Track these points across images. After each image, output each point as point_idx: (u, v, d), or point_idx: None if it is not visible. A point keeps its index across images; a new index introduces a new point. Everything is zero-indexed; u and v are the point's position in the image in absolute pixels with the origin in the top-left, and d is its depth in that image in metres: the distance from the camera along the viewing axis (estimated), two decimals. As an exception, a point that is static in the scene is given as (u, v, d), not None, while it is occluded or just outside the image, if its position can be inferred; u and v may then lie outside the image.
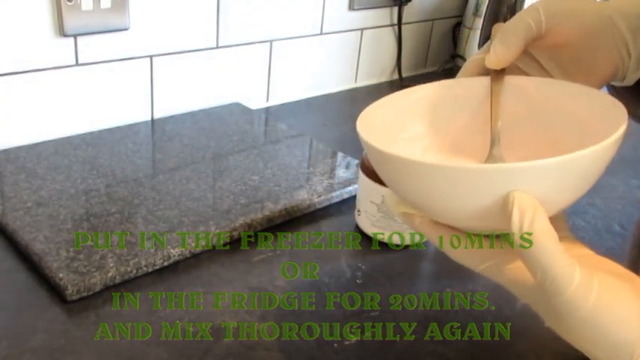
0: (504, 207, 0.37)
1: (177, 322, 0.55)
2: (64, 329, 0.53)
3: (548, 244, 0.35)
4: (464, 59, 1.17)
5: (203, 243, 0.63)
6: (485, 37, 1.14)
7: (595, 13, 0.50)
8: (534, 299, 0.39)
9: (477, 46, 1.15)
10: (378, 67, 1.22)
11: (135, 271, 0.59)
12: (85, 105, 0.85)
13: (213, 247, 0.65)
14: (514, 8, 1.11)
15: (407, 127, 0.52)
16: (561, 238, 0.37)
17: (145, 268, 0.60)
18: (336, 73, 1.15)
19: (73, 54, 0.82)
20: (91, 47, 0.83)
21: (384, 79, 1.23)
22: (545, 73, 0.54)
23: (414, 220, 0.43)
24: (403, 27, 1.20)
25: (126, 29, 0.84)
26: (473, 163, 0.52)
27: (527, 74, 0.55)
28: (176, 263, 0.62)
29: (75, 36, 0.81)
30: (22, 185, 0.70)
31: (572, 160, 0.37)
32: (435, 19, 1.27)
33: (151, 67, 0.90)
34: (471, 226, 0.41)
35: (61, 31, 0.79)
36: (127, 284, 0.58)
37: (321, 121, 1.02)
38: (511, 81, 0.53)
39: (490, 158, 0.50)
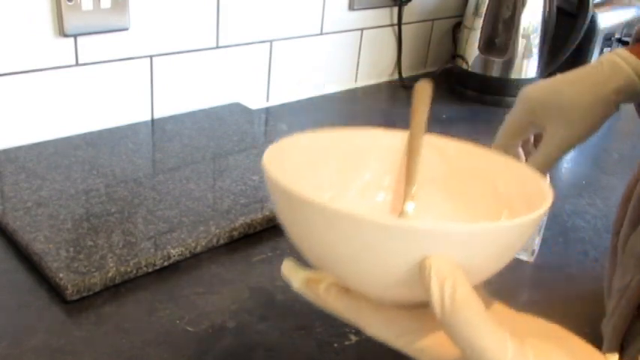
0: (421, 274, 0.33)
1: (177, 322, 0.55)
2: (64, 329, 0.53)
3: (475, 315, 0.31)
4: (464, 59, 1.17)
5: (203, 243, 0.63)
6: (486, 37, 1.14)
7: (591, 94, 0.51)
8: None
9: (477, 46, 1.15)
10: (378, 67, 1.22)
11: (135, 271, 0.59)
12: (85, 105, 0.85)
13: (213, 247, 0.65)
14: (514, 8, 1.11)
15: (314, 174, 0.48)
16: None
17: (145, 268, 0.60)
18: (336, 73, 1.15)
19: (73, 54, 0.82)
20: (91, 47, 0.82)
21: (384, 79, 1.23)
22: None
23: (317, 289, 0.38)
24: (403, 27, 1.20)
25: (126, 29, 0.84)
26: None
27: None
28: (176, 263, 0.62)
29: (75, 36, 0.80)
30: (22, 185, 0.70)
31: (495, 229, 0.35)
32: (435, 19, 1.27)
33: (151, 67, 0.90)
34: (387, 295, 0.37)
35: (61, 31, 0.79)
36: (127, 284, 0.58)
37: (321, 121, 1.01)
38: (431, 141, 0.51)
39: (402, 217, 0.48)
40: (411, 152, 0.51)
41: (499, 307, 0.40)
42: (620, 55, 0.52)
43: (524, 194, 0.45)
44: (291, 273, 0.40)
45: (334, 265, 0.38)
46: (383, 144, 0.51)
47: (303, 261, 0.39)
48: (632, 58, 0.52)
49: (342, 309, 0.37)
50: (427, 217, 0.50)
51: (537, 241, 0.59)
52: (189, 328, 0.54)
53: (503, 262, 0.38)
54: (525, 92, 0.55)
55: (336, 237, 0.35)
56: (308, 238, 0.38)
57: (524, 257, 0.61)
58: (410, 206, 0.49)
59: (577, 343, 0.37)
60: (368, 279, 0.36)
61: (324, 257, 0.38)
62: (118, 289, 0.58)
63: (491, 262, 0.37)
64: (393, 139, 0.52)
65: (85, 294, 0.56)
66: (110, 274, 0.57)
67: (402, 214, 0.49)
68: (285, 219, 0.39)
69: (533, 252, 0.60)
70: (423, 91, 0.56)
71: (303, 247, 0.39)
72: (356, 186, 0.51)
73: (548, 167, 0.54)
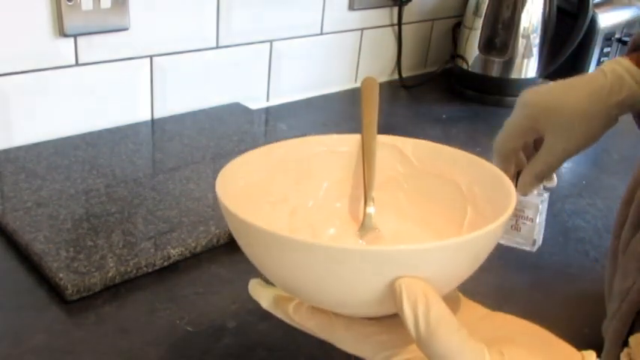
0: (393, 296, 0.32)
1: (177, 322, 0.55)
2: (64, 329, 0.53)
3: (450, 334, 0.31)
4: (464, 59, 1.17)
5: (203, 243, 0.63)
6: (486, 37, 1.14)
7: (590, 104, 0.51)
8: None
9: (477, 46, 1.15)
10: (378, 67, 1.21)
11: (135, 271, 0.59)
12: (85, 105, 0.85)
13: (214, 247, 0.64)
14: (514, 8, 1.11)
15: (271, 189, 0.48)
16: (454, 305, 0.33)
17: (145, 268, 0.60)
18: (336, 73, 1.15)
19: (73, 54, 0.81)
20: (91, 47, 0.82)
21: (384, 79, 1.23)
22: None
23: (286, 307, 0.38)
24: (403, 27, 1.20)
25: (126, 29, 0.84)
26: (351, 238, 0.48)
27: None
28: (176, 263, 0.62)
29: (75, 36, 0.80)
30: (22, 185, 0.70)
31: (464, 241, 0.35)
32: (435, 19, 1.27)
33: (151, 67, 0.90)
34: (359, 313, 0.37)
35: (61, 31, 0.79)
36: (127, 284, 0.58)
37: (321, 121, 1.01)
38: (385, 140, 0.51)
39: (364, 227, 0.48)
40: (367, 155, 0.50)
41: (478, 311, 0.39)
42: (622, 65, 0.52)
43: (488, 191, 0.44)
44: (259, 293, 0.39)
45: (299, 291, 0.37)
46: (338, 149, 0.51)
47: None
48: (634, 68, 0.52)
49: (314, 327, 0.37)
50: (390, 220, 0.49)
51: (537, 229, 0.58)
52: (189, 328, 0.54)
53: (474, 268, 0.38)
54: (526, 97, 0.54)
55: (296, 264, 0.35)
56: (270, 266, 0.37)
57: (526, 248, 0.60)
58: (371, 209, 0.48)
59: (556, 345, 0.37)
60: (336, 301, 0.36)
61: (287, 283, 0.37)
62: (118, 289, 0.58)
63: (462, 271, 0.37)
64: (348, 143, 0.51)
65: (85, 294, 0.56)
66: (110, 274, 0.57)
67: (364, 218, 0.48)
68: (245, 248, 0.38)
69: (534, 242, 0.59)
70: (371, 88, 0.55)
71: (266, 273, 0.38)
72: (316, 195, 0.50)
73: (546, 176, 0.55)
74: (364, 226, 0.48)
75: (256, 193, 0.46)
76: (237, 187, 0.43)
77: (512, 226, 0.58)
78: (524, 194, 0.56)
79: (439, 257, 0.34)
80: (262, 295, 0.39)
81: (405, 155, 0.50)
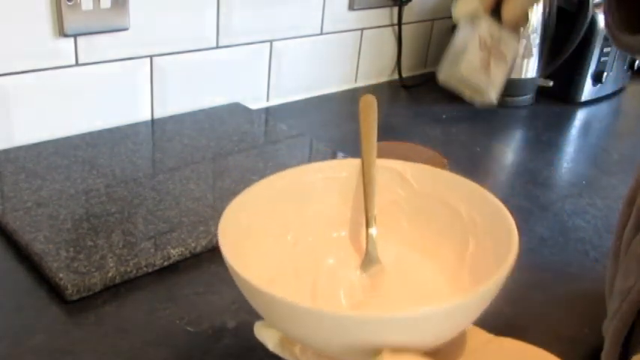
0: None
1: (177, 322, 0.55)
2: (64, 329, 0.53)
3: None
4: (464, 59, 1.17)
5: (203, 243, 0.63)
6: (486, 37, 1.14)
7: None
8: None
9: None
10: (378, 67, 1.22)
11: (135, 271, 0.59)
12: (85, 105, 0.85)
13: (213, 247, 0.64)
14: (514, 8, 1.11)
15: (273, 222, 0.49)
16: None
17: (145, 268, 0.60)
18: (336, 73, 1.15)
19: (73, 54, 0.81)
20: (91, 47, 0.82)
21: (384, 79, 1.23)
22: None
23: (293, 349, 0.38)
24: (403, 27, 1.20)
25: (126, 29, 0.84)
26: (353, 272, 0.49)
27: None
28: (176, 263, 0.62)
29: (75, 36, 0.80)
30: (22, 185, 0.70)
31: (457, 306, 0.35)
32: (435, 19, 1.27)
33: (151, 67, 0.90)
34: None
35: (61, 31, 0.79)
36: (127, 284, 0.58)
37: (321, 121, 1.02)
38: (385, 164, 0.51)
39: (366, 259, 0.49)
40: (367, 181, 0.50)
41: (482, 336, 0.39)
42: None
43: (488, 222, 0.44)
44: (264, 334, 0.40)
45: (303, 343, 0.38)
46: (338, 175, 0.51)
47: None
48: None
49: None
50: (392, 246, 0.49)
51: (505, 76, 0.52)
52: (189, 328, 0.54)
53: (472, 321, 0.38)
54: None
55: (289, 322, 0.36)
56: (274, 322, 0.39)
57: (484, 97, 0.53)
58: (372, 239, 0.49)
59: None
60: (339, 352, 0.37)
61: (290, 336, 0.39)
62: (118, 289, 0.58)
63: (458, 327, 0.38)
64: (348, 169, 0.51)
65: (85, 294, 0.56)
66: (110, 274, 0.57)
67: (367, 249, 0.49)
68: (256, 306, 0.39)
69: (496, 91, 0.53)
70: (368, 108, 0.54)
71: (271, 325, 0.40)
72: (317, 223, 0.51)
73: (521, 20, 0.50)
74: (366, 258, 0.49)
75: (259, 227, 0.47)
76: (241, 228, 0.44)
77: (481, 64, 0.51)
78: (513, 25, 0.50)
79: (432, 322, 0.35)
80: (268, 336, 0.39)
81: (405, 179, 0.50)
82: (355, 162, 0.51)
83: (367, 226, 0.49)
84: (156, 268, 0.60)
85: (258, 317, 0.56)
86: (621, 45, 0.46)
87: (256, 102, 1.04)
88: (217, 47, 0.96)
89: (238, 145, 0.85)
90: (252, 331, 0.54)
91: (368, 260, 0.49)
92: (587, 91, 1.18)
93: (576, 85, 1.17)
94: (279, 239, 0.49)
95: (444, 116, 1.08)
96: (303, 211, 0.50)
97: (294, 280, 0.47)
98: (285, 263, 0.48)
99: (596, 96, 1.20)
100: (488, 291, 0.36)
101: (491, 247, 0.42)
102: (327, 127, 0.99)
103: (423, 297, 0.46)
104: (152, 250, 0.61)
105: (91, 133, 0.85)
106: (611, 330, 0.47)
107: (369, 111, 0.54)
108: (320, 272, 0.49)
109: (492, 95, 0.52)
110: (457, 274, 0.47)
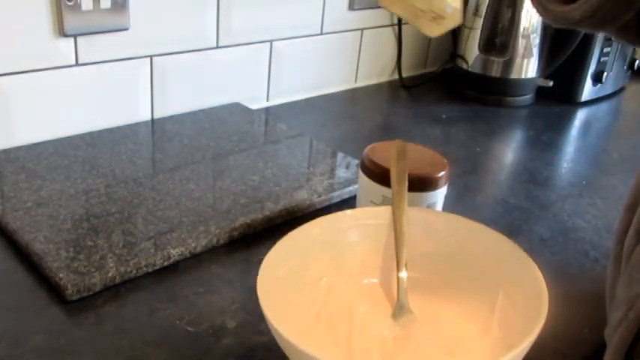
0: None
1: (177, 322, 0.55)
2: (64, 329, 0.53)
3: None
4: (464, 59, 1.17)
5: (203, 243, 0.63)
6: (486, 37, 1.14)
7: None
8: None
9: (477, 46, 1.15)
10: (378, 67, 1.22)
11: (135, 271, 0.59)
12: (85, 105, 0.85)
13: (213, 247, 0.65)
14: (514, 8, 1.11)
15: (308, 268, 0.51)
16: None
17: (145, 268, 0.60)
18: (336, 73, 1.15)
19: (73, 54, 0.82)
20: (91, 47, 0.82)
21: (384, 79, 1.23)
22: None
23: None
24: (403, 27, 1.20)
25: (126, 29, 0.84)
26: (385, 322, 0.50)
27: None
28: (176, 263, 0.62)
29: (75, 36, 0.80)
30: (22, 185, 0.70)
31: None
32: (435, 19, 1.27)
33: (151, 67, 0.90)
34: None
35: (61, 31, 0.79)
36: (127, 284, 0.58)
37: (321, 121, 1.01)
38: (417, 214, 0.52)
39: (398, 309, 0.50)
40: (398, 231, 0.51)
41: None
42: None
43: (517, 276, 0.46)
44: None
45: None
46: (370, 222, 0.53)
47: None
48: None
49: None
50: (422, 297, 0.50)
51: None
52: (189, 328, 0.54)
53: None
54: None
55: None
56: None
57: (441, 14, 0.53)
58: (403, 289, 0.50)
59: None
60: None
61: None
62: (118, 289, 0.58)
63: None
64: (380, 216, 0.52)
65: (85, 294, 0.56)
66: (110, 274, 0.57)
67: (398, 297, 0.50)
68: (283, 347, 0.42)
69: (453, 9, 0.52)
70: (401, 155, 0.55)
71: None
72: (350, 270, 0.53)
73: None
74: (397, 307, 0.50)
75: (295, 276, 0.49)
76: (279, 276, 0.46)
77: None
78: None
79: None
80: None
81: (436, 229, 0.52)
82: (387, 210, 0.52)
83: (398, 272, 0.50)
84: (156, 268, 0.60)
85: (258, 317, 0.56)
86: (553, 16, 0.41)
87: (256, 102, 1.04)
88: (217, 47, 0.96)
89: (238, 145, 0.85)
90: (252, 331, 0.54)
91: (399, 309, 0.50)
92: (587, 91, 1.18)
93: (576, 85, 1.17)
94: (313, 287, 0.51)
95: (444, 116, 1.08)
96: (336, 257, 0.52)
97: (327, 331, 0.49)
98: (319, 310, 0.50)
99: (596, 96, 1.20)
100: (520, 352, 0.37)
101: (521, 301, 0.44)
102: (327, 127, 0.99)
103: (455, 349, 0.47)
104: (152, 250, 0.61)
105: (91, 133, 0.85)
106: (616, 338, 0.47)
107: (401, 158, 0.54)
108: (353, 322, 0.50)
109: (457, 15, 0.51)
110: (487, 325, 0.48)
